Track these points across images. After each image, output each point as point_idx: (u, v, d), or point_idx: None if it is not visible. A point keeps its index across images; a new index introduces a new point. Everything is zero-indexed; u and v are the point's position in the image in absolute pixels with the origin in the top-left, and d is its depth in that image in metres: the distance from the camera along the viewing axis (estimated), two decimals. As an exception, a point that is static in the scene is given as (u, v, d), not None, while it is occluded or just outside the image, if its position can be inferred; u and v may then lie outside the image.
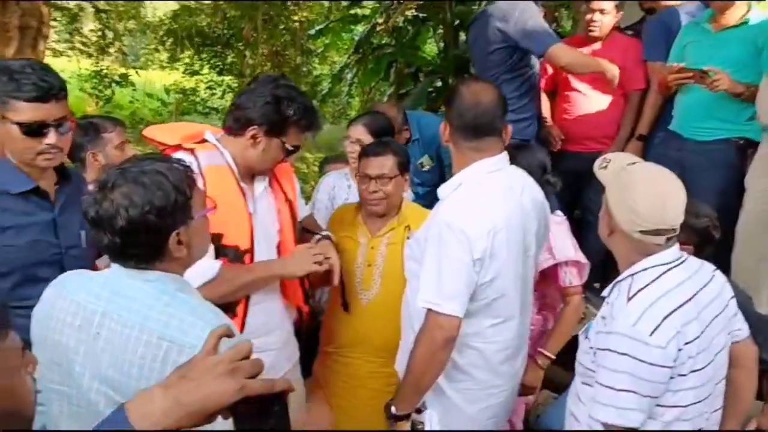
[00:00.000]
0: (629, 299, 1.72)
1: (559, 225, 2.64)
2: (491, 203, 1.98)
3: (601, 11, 3.66)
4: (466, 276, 1.93)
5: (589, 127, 3.71)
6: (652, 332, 1.64)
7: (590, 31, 3.70)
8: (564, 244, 2.61)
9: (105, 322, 1.39)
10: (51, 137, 1.87)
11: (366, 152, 2.55)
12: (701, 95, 3.11)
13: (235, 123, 2.07)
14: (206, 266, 1.92)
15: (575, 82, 3.73)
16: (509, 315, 2.08)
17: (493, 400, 2.14)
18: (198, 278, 1.91)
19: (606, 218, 1.85)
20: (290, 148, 2.10)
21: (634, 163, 1.86)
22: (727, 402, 1.88)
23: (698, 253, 2.11)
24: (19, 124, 1.83)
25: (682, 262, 1.79)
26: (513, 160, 2.15)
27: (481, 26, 3.65)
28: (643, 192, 1.74)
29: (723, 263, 2.38)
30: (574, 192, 3.86)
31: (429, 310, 1.94)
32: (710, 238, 2.32)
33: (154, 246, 1.41)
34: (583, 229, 3.83)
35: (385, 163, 2.47)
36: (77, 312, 1.41)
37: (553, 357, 2.60)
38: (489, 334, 2.06)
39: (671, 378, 1.69)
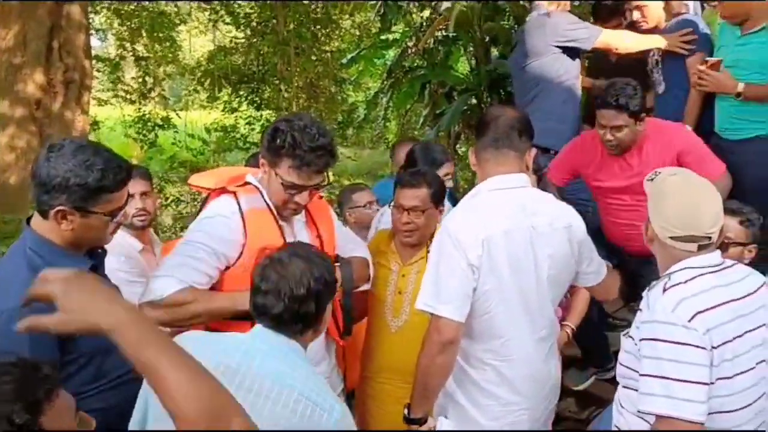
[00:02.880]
0: (665, 290, 1.74)
1: None
2: (491, 215, 2.00)
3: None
4: (463, 280, 1.96)
5: None
6: (691, 318, 1.66)
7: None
8: None
9: (244, 379, 1.49)
10: None
11: (401, 183, 2.53)
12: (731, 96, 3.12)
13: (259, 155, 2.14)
14: (161, 287, 1.92)
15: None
16: (518, 334, 2.07)
17: (512, 418, 2.11)
18: (148, 294, 1.92)
19: (646, 225, 1.89)
20: (281, 182, 2.02)
21: (675, 174, 1.89)
22: None
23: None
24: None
25: (719, 269, 1.79)
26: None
27: (519, 43, 3.72)
28: (674, 200, 1.79)
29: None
30: None
31: (431, 314, 1.98)
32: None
33: (317, 315, 1.60)
34: None
35: (419, 195, 2.46)
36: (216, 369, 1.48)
37: (574, 327, 2.84)
38: (502, 352, 2.07)
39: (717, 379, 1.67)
